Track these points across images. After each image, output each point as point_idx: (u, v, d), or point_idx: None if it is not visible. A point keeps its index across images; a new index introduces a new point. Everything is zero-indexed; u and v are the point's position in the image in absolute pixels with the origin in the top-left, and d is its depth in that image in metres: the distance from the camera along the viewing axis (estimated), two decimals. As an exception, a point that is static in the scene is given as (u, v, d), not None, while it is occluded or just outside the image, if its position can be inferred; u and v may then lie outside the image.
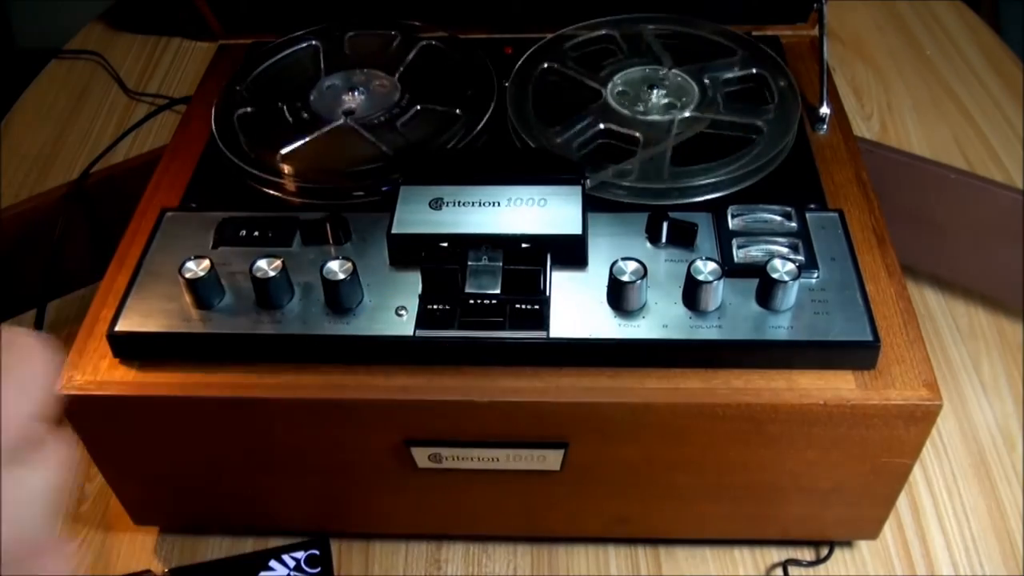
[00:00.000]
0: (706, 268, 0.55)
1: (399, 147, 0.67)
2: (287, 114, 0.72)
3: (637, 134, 0.67)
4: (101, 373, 0.57)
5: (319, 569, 0.66)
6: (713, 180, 0.63)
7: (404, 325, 0.56)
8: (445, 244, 0.58)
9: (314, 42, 0.78)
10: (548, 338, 0.55)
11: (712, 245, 0.60)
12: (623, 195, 0.64)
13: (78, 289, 0.84)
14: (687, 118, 0.68)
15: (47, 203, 0.76)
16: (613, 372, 0.56)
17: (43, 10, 2.08)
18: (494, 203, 0.60)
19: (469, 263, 0.57)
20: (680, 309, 0.56)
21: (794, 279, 0.55)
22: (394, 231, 0.59)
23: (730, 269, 0.57)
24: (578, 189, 0.60)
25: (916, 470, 0.72)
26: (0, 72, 1.99)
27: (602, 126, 0.68)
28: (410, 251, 0.58)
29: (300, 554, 0.67)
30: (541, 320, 0.56)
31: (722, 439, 0.57)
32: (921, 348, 0.56)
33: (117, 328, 0.57)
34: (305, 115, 0.71)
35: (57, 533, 0.32)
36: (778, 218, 0.61)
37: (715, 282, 0.55)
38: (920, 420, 0.55)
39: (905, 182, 0.78)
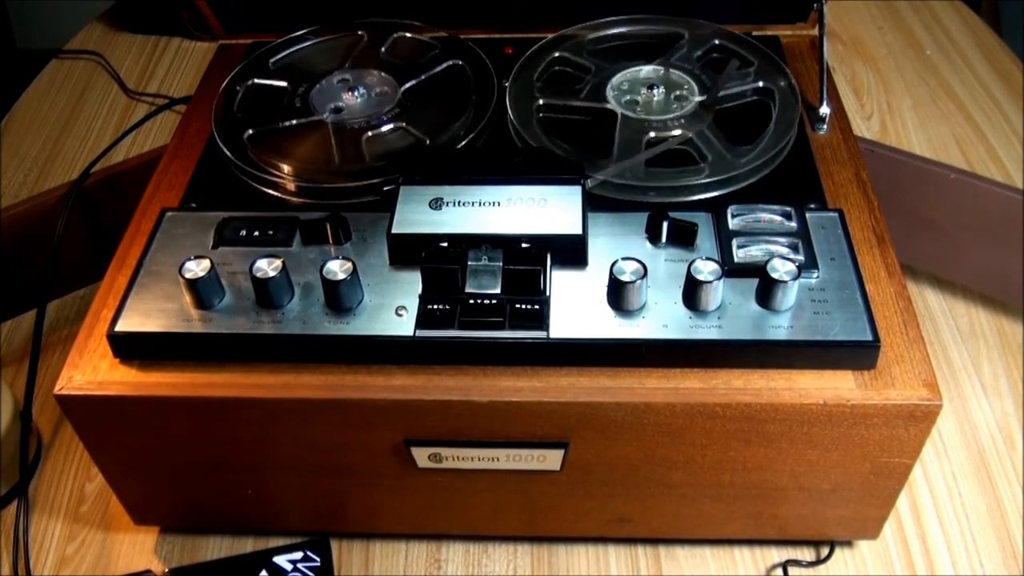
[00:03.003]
0: (706, 268, 0.55)
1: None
2: (285, 99, 0.72)
3: (637, 133, 0.67)
4: (101, 373, 0.57)
5: (319, 569, 0.66)
6: (713, 180, 0.63)
7: (404, 325, 0.56)
8: (445, 244, 0.58)
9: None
10: (548, 338, 0.55)
11: (712, 245, 0.60)
12: (623, 195, 0.64)
13: (78, 289, 0.84)
14: (687, 117, 0.68)
15: (47, 203, 0.76)
16: (613, 372, 0.56)
17: (43, 10, 2.09)
18: (494, 203, 0.60)
19: (469, 263, 0.58)
20: (680, 309, 0.56)
21: (794, 279, 0.55)
22: (394, 231, 0.59)
23: (730, 269, 0.57)
24: (578, 189, 0.60)
25: (916, 470, 0.72)
26: (0, 72, 1.99)
27: (600, 124, 0.68)
28: (410, 251, 0.58)
29: (300, 554, 0.67)
30: (541, 320, 0.56)
31: (722, 439, 0.57)
32: (921, 348, 0.56)
33: (117, 328, 0.57)
34: (299, 104, 0.72)
35: None
36: (778, 218, 0.61)
37: (715, 282, 0.55)
38: (920, 420, 0.55)
39: (905, 182, 0.78)
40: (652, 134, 0.67)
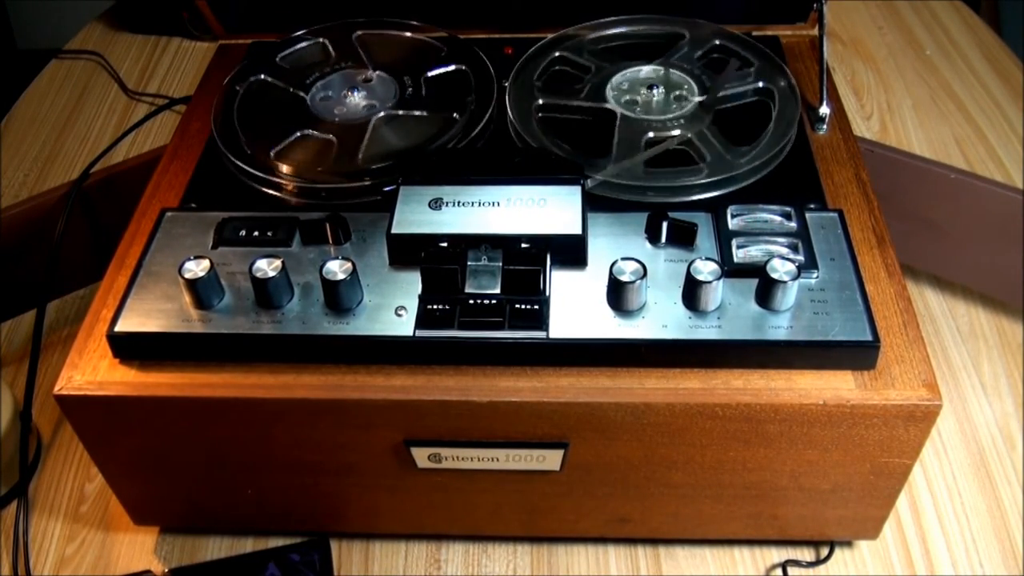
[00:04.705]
0: (706, 268, 0.55)
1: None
2: (285, 99, 0.72)
3: (636, 133, 0.67)
4: (101, 373, 0.57)
5: (319, 569, 0.66)
6: (713, 179, 0.63)
7: (404, 325, 0.56)
8: (445, 244, 0.58)
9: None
10: (548, 338, 0.55)
11: (712, 245, 0.60)
12: (623, 195, 0.64)
13: (78, 289, 0.84)
14: (686, 118, 0.68)
15: (47, 203, 0.76)
16: (613, 372, 0.56)
17: (43, 10, 2.09)
18: (494, 203, 0.60)
19: (469, 263, 0.58)
20: (680, 309, 0.56)
21: (794, 279, 0.55)
22: (394, 231, 0.59)
23: (730, 269, 0.57)
24: (577, 189, 0.60)
25: (916, 470, 0.72)
26: (0, 72, 1.99)
27: (600, 124, 0.68)
28: (410, 251, 0.58)
29: (300, 554, 0.67)
30: (541, 320, 0.56)
31: (722, 439, 0.57)
32: (921, 348, 0.56)
33: (117, 328, 0.57)
34: (299, 104, 0.72)
35: None
36: (778, 218, 0.61)
37: (715, 282, 0.55)
38: (920, 420, 0.55)
39: (905, 182, 0.78)
40: (651, 134, 0.67)
